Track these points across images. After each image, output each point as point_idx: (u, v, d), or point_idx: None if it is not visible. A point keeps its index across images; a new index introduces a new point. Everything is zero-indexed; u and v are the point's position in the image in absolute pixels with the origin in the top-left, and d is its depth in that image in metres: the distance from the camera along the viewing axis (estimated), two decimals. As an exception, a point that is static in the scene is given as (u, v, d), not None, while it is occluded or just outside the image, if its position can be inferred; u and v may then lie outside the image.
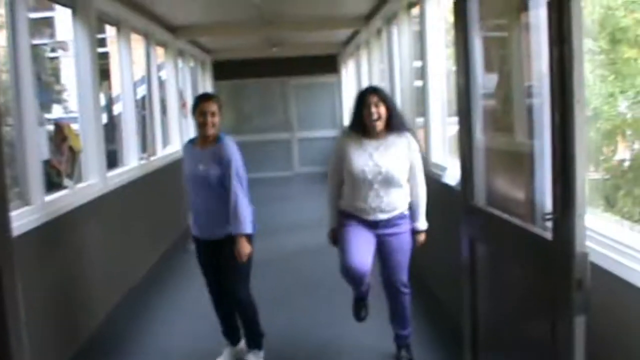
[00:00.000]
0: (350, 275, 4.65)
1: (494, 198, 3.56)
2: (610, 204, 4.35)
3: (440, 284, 5.91)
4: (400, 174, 4.59)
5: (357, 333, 5.59)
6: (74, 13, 6.62)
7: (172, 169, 10.18)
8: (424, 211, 4.74)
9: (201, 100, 4.83)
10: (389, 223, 4.65)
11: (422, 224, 4.76)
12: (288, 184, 15.85)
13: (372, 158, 4.60)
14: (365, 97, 4.65)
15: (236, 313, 5.06)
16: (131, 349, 5.59)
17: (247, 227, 4.72)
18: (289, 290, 6.99)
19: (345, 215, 4.75)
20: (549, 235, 2.64)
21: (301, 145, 17.60)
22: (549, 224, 2.76)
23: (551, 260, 2.61)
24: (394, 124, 4.62)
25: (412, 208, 4.70)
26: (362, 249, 4.61)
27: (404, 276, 4.76)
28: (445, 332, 5.41)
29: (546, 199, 3.15)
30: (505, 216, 3.16)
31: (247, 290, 4.93)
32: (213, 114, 4.74)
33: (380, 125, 4.59)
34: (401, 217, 4.67)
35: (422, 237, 4.79)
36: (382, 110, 4.59)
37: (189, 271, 7.99)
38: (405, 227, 4.71)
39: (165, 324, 6.24)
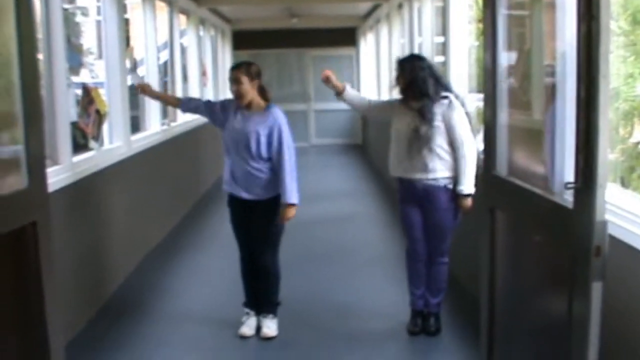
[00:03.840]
0: (413, 253, 4.99)
1: (513, 171, 3.65)
2: (624, 185, 4.43)
3: (457, 255, 6.02)
4: (436, 136, 4.75)
5: (375, 300, 5.75)
6: (102, -21, 6.73)
7: (191, 135, 10.32)
8: (471, 175, 4.76)
9: (230, 70, 4.98)
10: (428, 194, 4.81)
11: (467, 187, 4.78)
12: (304, 155, 15.92)
13: (408, 117, 4.82)
14: (413, 64, 4.93)
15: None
16: (150, 309, 5.75)
17: (295, 197, 4.88)
18: (308, 256, 7.15)
19: (399, 185, 4.98)
20: (569, 204, 2.75)
21: (317, 117, 17.68)
22: (569, 195, 2.86)
23: (571, 228, 2.71)
24: (415, 91, 4.82)
25: (456, 172, 4.80)
26: (417, 234, 4.94)
27: (441, 246, 4.94)
28: (466, 305, 5.56)
29: (564, 172, 3.25)
30: (527, 185, 3.27)
31: (275, 257, 5.07)
32: (238, 81, 4.86)
33: (398, 90, 4.95)
34: (445, 188, 4.81)
35: (467, 202, 4.81)
36: (400, 80, 4.90)
37: (208, 235, 8.18)
38: (445, 204, 4.83)
39: (183, 287, 6.40)
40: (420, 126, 4.76)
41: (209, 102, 5.36)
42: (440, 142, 4.78)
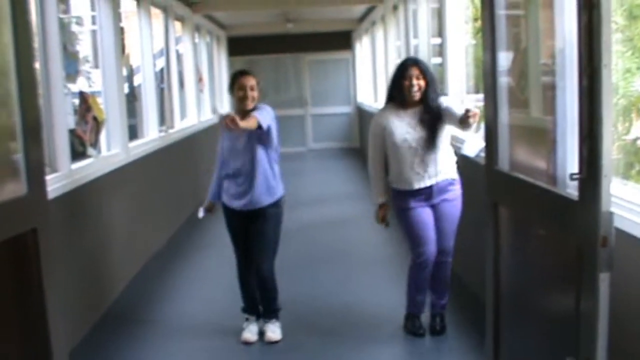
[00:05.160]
0: (424, 260, 4.83)
1: (515, 167, 3.64)
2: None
3: (459, 254, 6.00)
4: (438, 136, 4.75)
5: (377, 302, 5.72)
6: (97, -13, 6.72)
7: (189, 141, 10.30)
8: None
9: (240, 75, 4.91)
10: (440, 190, 4.79)
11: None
12: (302, 160, 15.94)
13: (410, 126, 4.77)
14: (406, 69, 4.78)
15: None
16: (151, 316, 5.73)
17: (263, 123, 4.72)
18: (308, 259, 7.13)
19: (400, 194, 4.86)
20: (574, 196, 2.73)
21: (315, 121, 17.69)
22: (573, 188, 2.85)
23: (577, 220, 2.69)
24: (430, 97, 4.76)
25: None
26: (431, 234, 4.81)
27: (449, 244, 4.90)
28: (469, 303, 5.55)
29: (566, 166, 3.24)
30: (530, 179, 3.25)
31: (271, 266, 5.03)
32: (252, 88, 4.84)
33: (418, 96, 4.75)
34: (451, 182, 4.83)
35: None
36: (422, 82, 4.75)
37: (207, 242, 8.15)
38: (455, 194, 4.85)
39: (184, 293, 6.37)
40: (430, 131, 4.73)
41: (221, 162, 5.15)
42: (446, 139, 4.81)
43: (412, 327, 5.00)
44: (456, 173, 4.88)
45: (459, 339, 4.91)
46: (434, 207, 4.84)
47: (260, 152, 4.87)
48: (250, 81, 4.86)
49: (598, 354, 2.64)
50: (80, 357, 4.79)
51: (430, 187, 4.78)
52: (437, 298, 5.02)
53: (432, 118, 4.74)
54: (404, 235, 4.99)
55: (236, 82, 4.88)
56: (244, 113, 4.85)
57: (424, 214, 4.82)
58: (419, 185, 4.77)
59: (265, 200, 4.92)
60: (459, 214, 4.90)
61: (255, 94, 4.85)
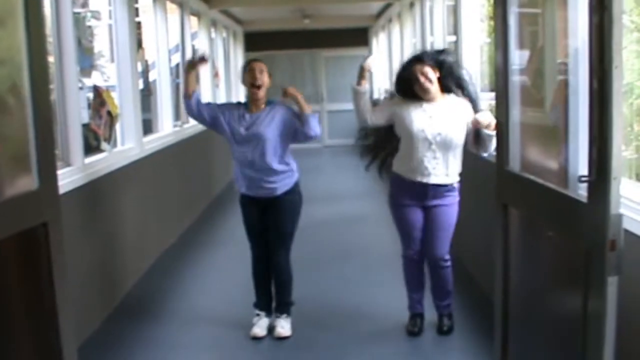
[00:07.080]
0: (410, 256, 4.91)
1: (526, 167, 3.62)
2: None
3: (471, 253, 5.98)
4: (457, 136, 4.64)
5: (387, 300, 5.70)
6: (113, -18, 6.74)
7: (204, 136, 10.29)
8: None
9: (249, 62, 5.00)
10: (438, 193, 4.70)
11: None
12: (317, 156, 15.92)
13: (432, 119, 4.64)
14: (410, 69, 4.69)
15: (271, 279, 5.17)
16: (164, 310, 5.75)
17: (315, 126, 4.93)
18: (320, 257, 7.12)
19: (398, 184, 4.82)
20: (583, 198, 2.71)
21: (330, 118, 17.67)
22: (583, 189, 2.83)
23: (585, 222, 2.67)
24: (447, 84, 4.68)
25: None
26: (417, 235, 4.83)
27: (444, 249, 4.82)
28: (479, 303, 5.52)
29: (578, 166, 3.22)
30: (540, 181, 3.23)
31: (287, 256, 5.07)
32: (261, 71, 4.88)
33: (433, 89, 4.64)
34: (450, 189, 4.73)
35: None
36: (431, 75, 4.62)
37: (220, 237, 8.17)
38: (452, 199, 4.76)
39: (195, 287, 6.39)
40: (449, 124, 4.63)
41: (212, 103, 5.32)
42: (460, 140, 4.70)
43: (408, 326, 5.00)
44: (457, 177, 4.77)
45: (466, 339, 4.89)
46: (426, 210, 4.77)
47: (277, 145, 4.91)
48: (259, 65, 4.91)
49: (605, 358, 2.62)
50: (93, 349, 4.81)
51: (427, 186, 4.68)
52: (439, 300, 4.99)
53: (453, 117, 4.65)
54: (395, 227, 5.02)
55: (246, 70, 4.95)
56: (256, 102, 4.92)
57: (413, 214, 4.78)
58: (421, 179, 4.67)
59: (281, 189, 4.95)
60: (455, 220, 4.80)
61: (265, 78, 4.89)
